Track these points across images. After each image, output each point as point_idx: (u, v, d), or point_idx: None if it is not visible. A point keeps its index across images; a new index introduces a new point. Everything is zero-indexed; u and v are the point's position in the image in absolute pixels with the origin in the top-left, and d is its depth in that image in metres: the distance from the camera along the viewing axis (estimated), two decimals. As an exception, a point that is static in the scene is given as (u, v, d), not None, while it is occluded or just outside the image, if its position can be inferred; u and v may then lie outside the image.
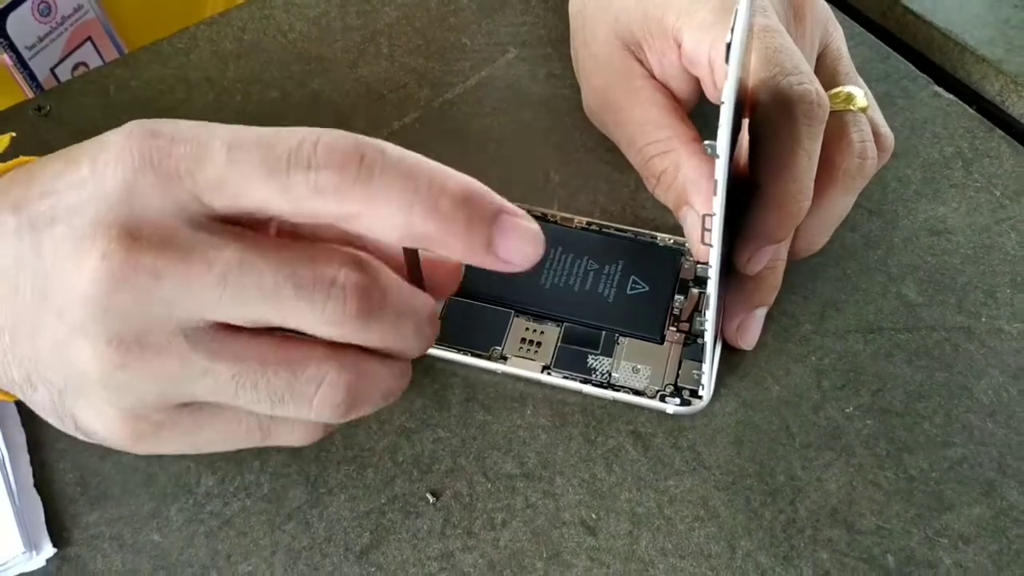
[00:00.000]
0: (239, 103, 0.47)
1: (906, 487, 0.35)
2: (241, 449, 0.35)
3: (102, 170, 0.25)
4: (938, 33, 0.49)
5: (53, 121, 0.47)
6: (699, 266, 0.30)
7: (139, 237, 0.24)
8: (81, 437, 0.29)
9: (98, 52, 0.52)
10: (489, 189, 0.26)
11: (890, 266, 0.41)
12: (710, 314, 0.31)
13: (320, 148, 0.24)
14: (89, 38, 0.51)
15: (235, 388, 0.26)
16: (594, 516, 0.34)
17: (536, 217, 0.41)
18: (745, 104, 0.36)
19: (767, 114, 0.34)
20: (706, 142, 0.26)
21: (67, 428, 0.29)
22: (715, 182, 0.27)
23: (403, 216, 0.24)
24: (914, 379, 0.38)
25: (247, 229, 0.25)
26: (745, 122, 0.35)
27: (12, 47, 0.47)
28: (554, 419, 0.37)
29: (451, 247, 0.25)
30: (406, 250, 0.28)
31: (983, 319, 0.39)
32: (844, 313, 0.40)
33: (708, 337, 0.33)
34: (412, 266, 0.28)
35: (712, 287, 0.30)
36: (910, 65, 0.48)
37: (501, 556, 0.34)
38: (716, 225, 0.28)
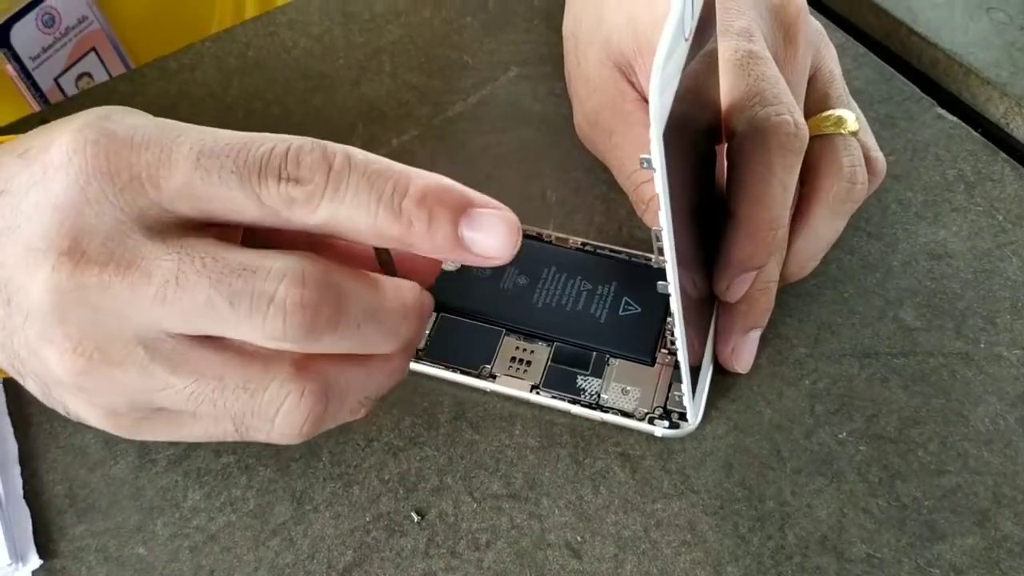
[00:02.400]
0: (241, 119, 0.48)
1: (898, 515, 0.35)
2: (228, 464, 0.36)
3: (54, 175, 0.25)
4: (943, 55, 0.49)
5: (58, 135, 0.47)
6: (659, 283, 0.29)
7: (86, 251, 0.24)
8: (75, 419, 0.30)
9: (103, 63, 0.52)
10: (457, 185, 0.26)
11: (888, 290, 0.40)
12: (678, 332, 0.31)
13: (290, 158, 0.24)
14: (93, 49, 0.51)
15: (195, 404, 0.26)
16: (579, 538, 0.34)
17: (531, 237, 0.41)
18: (722, 129, 0.36)
19: (743, 144, 0.34)
20: (641, 156, 0.26)
21: (61, 412, 0.30)
22: (657, 196, 0.27)
23: (370, 221, 0.24)
24: (909, 405, 0.37)
25: (201, 232, 0.25)
26: (723, 148, 0.35)
27: (16, 57, 0.48)
28: (542, 439, 0.37)
29: (419, 247, 0.25)
30: (376, 248, 0.28)
31: (982, 345, 0.39)
32: (840, 337, 0.39)
33: (681, 357, 0.32)
34: (384, 263, 0.28)
35: (675, 304, 0.30)
36: (914, 87, 0.48)
37: (484, 577, 0.33)
38: (666, 240, 0.28)
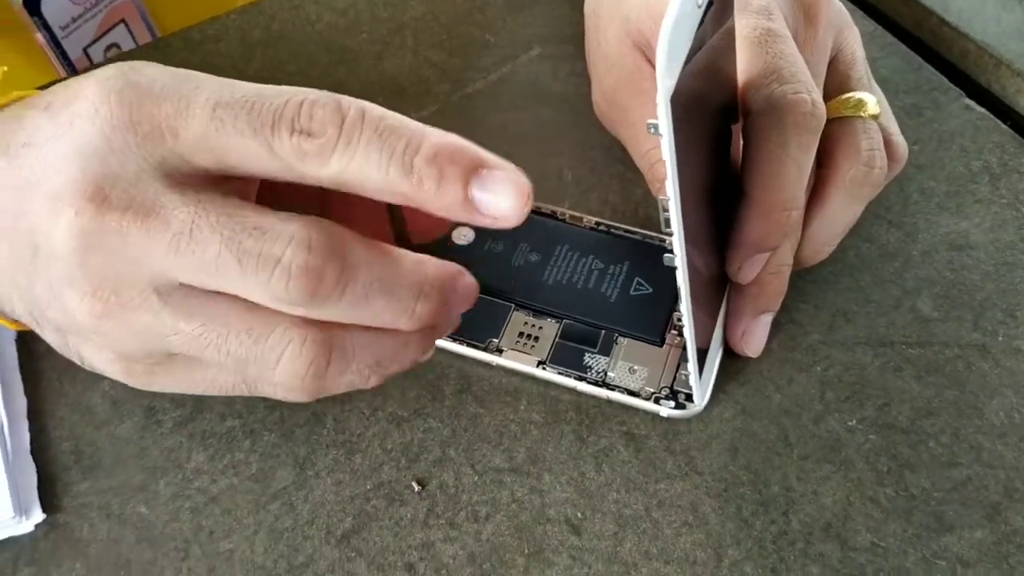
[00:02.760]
0: (262, 90, 0.48)
1: (905, 506, 0.34)
2: (233, 428, 0.36)
3: (81, 125, 0.25)
4: (973, 46, 0.48)
5: (82, 101, 0.48)
6: (666, 255, 0.29)
7: (109, 196, 0.25)
8: (90, 368, 0.31)
9: (131, 34, 0.53)
10: (470, 145, 0.25)
11: (906, 279, 0.40)
12: (684, 307, 0.31)
13: (304, 110, 0.24)
14: (123, 20, 0.52)
15: (201, 348, 0.26)
16: (580, 515, 0.34)
17: (544, 215, 0.41)
18: (737, 106, 0.36)
19: (759, 122, 0.33)
20: (648, 121, 0.26)
21: (76, 360, 0.31)
22: (664, 163, 0.26)
23: (380, 177, 0.24)
24: (922, 396, 0.36)
25: (219, 186, 0.26)
26: (739, 127, 0.35)
27: (46, 26, 0.49)
28: (547, 416, 0.36)
29: (428, 205, 0.25)
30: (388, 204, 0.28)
31: (1000, 338, 0.38)
32: (854, 324, 0.38)
33: (687, 333, 0.32)
34: (395, 218, 0.28)
35: (680, 277, 0.30)
36: (942, 77, 0.47)
37: (482, 549, 0.33)
38: (673, 210, 0.27)
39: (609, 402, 0.36)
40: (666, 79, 0.25)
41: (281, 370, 0.26)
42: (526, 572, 0.33)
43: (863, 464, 0.35)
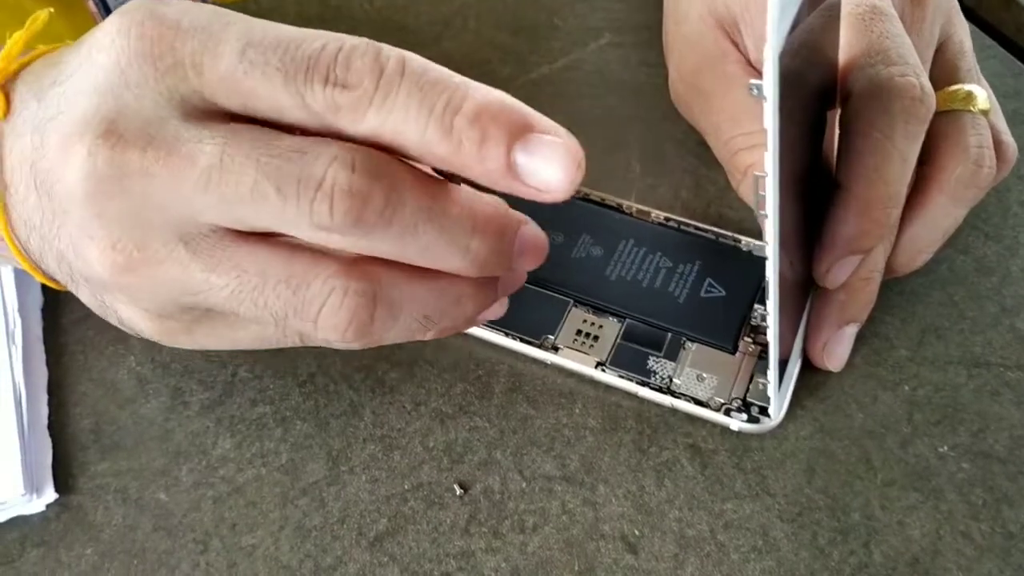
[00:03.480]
0: (315, 66, 0.45)
1: (1003, 544, 0.30)
2: (264, 415, 0.33)
3: (96, 57, 0.23)
4: (1081, 52, 0.44)
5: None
6: (753, 242, 0.26)
7: (124, 134, 0.22)
8: (129, 331, 0.29)
9: (185, 6, 0.51)
10: (520, 106, 0.22)
11: (1005, 296, 0.36)
12: (771, 307, 0.27)
13: (340, 59, 0.22)
14: (177, -10, 0.50)
15: (238, 303, 0.23)
16: (637, 532, 0.31)
17: (609, 207, 0.38)
18: (836, 90, 0.32)
19: (861, 106, 0.30)
20: (752, 81, 0.22)
21: (114, 322, 0.28)
22: (765, 132, 0.23)
23: (418, 136, 0.22)
24: (1023, 423, 0.33)
25: (245, 123, 0.23)
26: (836, 113, 0.31)
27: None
28: (604, 422, 0.33)
29: (469, 170, 0.22)
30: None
31: (1111, 366, 0.34)
32: (946, 342, 0.35)
33: (771, 336, 0.28)
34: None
35: (771, 271, 0.26)
36: (1046, 83, 0.43)
37: (528, 563, 0.30)
38: (770, 188, 0.24)
39: (673, 411, 0.33)
40: (775, 35, 0.22)
41: (323, 323, 0.23)
42: (575, 591, 0.29)
43: (955, 495, 0.31)
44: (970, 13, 0.47)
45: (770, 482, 0.32)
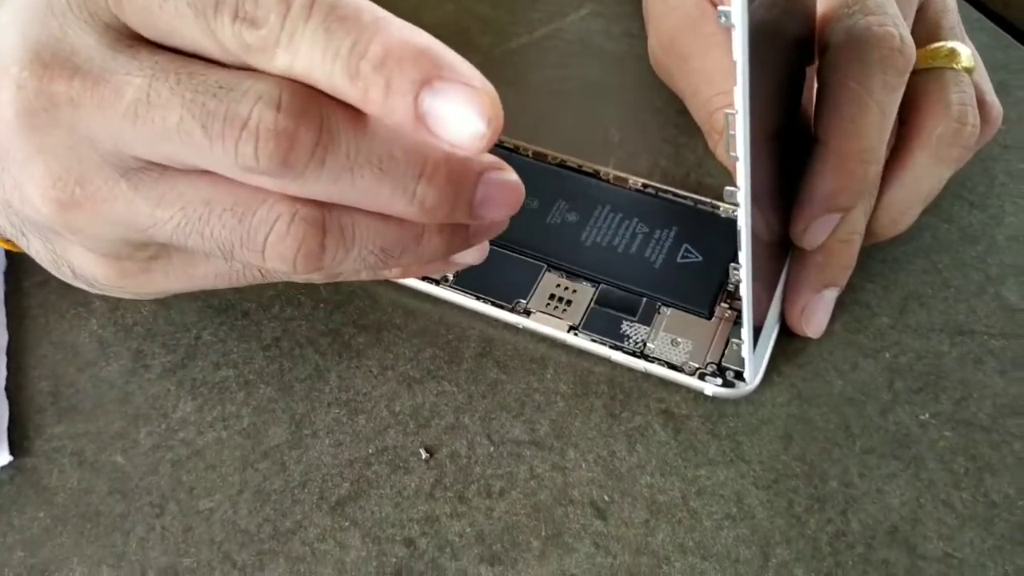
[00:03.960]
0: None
1: (985, 513, 0.29)
2: (227, 378, 0.32)
3: None
4: (1070, 25, 0.43)
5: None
6: (727, 189, 0.25)
7: (50, 63, 0.21)
8: (85, 287, 0.28)
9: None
10: (434, 47, 0.21)
11: (990, 264, 0.35)
12: (743, 258, 0.26)
13: None
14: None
15: (185, 236, 0.22)
16: (607, 498, 0.30)
17: (586, 174, 0.37)
18: (814, 49, 0.32)
19: (838, 57, 0.29)
20: (720, 8, 0.21)
21: (69, 278, 0.28)
22: (734, 64, 0.22)
23: (327, 81, 0.20)
24: (1007, 392, 0.32)
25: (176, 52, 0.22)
26: (813, 68, 0.31)
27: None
28: (576, 387, 0.32)
29: (384, 120, 0.21)
30: None
31: (1098, 334, 0.33)
32: (929, 309, 0.34)
33: (744, 291, 0.28)
34: None
35: (743, 217, 0.25)
36: (1034, 55, 0.43)
37: (494, 528, 0.29)
38: (740, 126, 0.23)
39: (647, 376, 0.32)
40: None
41: (270, 252, 0.22)
42: (542, 557, 0.28)
43: (936, 463, 0.30)
44: (958, -13, 0.47)
45: (745, 448, 0.31)
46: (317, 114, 0.21)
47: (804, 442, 0.31)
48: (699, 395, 0.32)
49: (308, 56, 0.20)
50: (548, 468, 0.30)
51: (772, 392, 0.32)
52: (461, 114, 0.20)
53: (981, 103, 0.32)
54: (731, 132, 0.24)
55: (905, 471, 0.30)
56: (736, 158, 0.24)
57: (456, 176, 0.23)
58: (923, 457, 0.31)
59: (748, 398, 0.32)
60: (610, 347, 0.32)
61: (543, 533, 0.29)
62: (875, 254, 0.35)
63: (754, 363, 0.31)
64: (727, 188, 0.25)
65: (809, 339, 0.33)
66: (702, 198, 0.36)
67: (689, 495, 0.30)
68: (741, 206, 0.25)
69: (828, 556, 0.28)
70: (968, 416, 0.31)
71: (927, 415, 0.31)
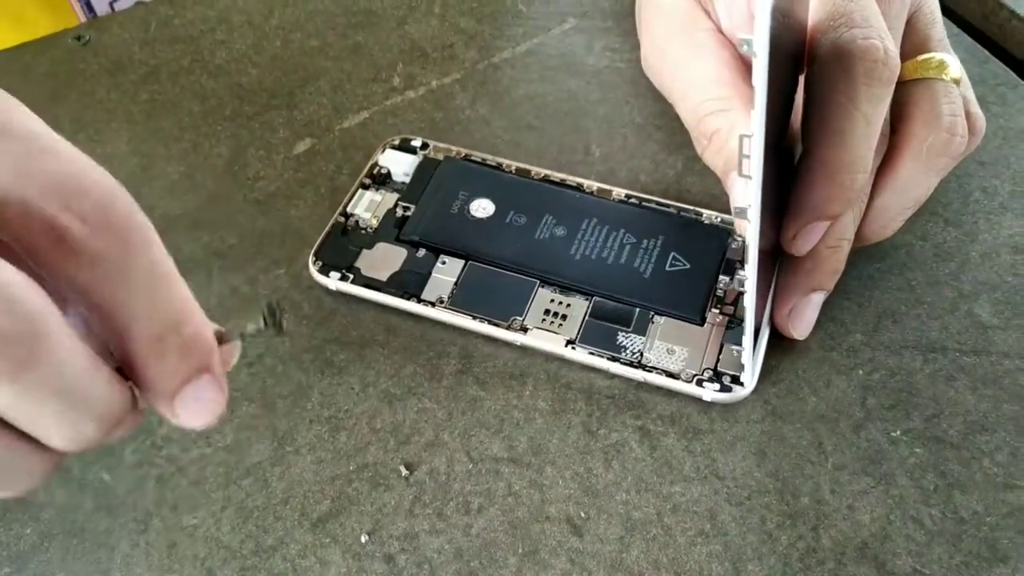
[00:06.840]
0: (278, 48, 0.45)
1: (954, 529, 0.30)
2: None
3: None
4: (1047, 40, 0.44)
5: (91, 51, 0.45)
6: (736, 206, 0.25)
7: None
8: None
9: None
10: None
11: (963, 282, 0.36)
12: (750, 269, 0.27)
13: None
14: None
15: None
16: (583, 515, 0.30)
17: (569, 188, 0.38)
18: (803, 56, 0.32)
19: (824, 69, 0.30)
20: (741, 36, 0.22)
21: None
22: (754, 89, 0.23)
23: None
24: (977, 408, 0.33)
25: None
26: (802, 79, 0.31)
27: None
28: (555, 404, 0.33)
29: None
30: None
31: (1067, 351, 0.34)
32: (902, 326, 0.35)
33: (748, 300, 0.28)
34: None
35: (752, 232, 0.26)
36: (1010, 71, 0.43)
37: (472, 545, 0.30)
38: (755, 149, 0.24)
39: (645, 384, 0.33)
40: None
41: None
42: (518, 573, 0.29)
43: (907, 480, 0.31)
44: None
45: (719, 465, 0.31)
46: None
47: (777, 459, 0.32)
48: (691, 405, 0.32)
49: None
50: (526, 485, 0.31)
51: (747, 410, 0.33)
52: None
53: (967, 114, 0.33)
54: (745, 154, 0.24)
55: (876, 487, 0.31)
56: (749, 177, 0.25)
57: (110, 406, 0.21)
58: (894, 474, 0.31)
59: (721, 415, 0.32)
60: (608, 359, 0.33)
61: (520, 550, 0.30)
62: (849, 271, 0.36)
63: (753, 364, 0.32)
64: (717, 215, 0.25)
65: (784, 357, 0.34)
66: (685, 206, 0.37)
67: (664, 511, 0.30)
68: (751, 223, 0.26)
69: (799, 572, 0.29)
70: (939, 433, 0.32)
71: (899, 432, 0.32)
